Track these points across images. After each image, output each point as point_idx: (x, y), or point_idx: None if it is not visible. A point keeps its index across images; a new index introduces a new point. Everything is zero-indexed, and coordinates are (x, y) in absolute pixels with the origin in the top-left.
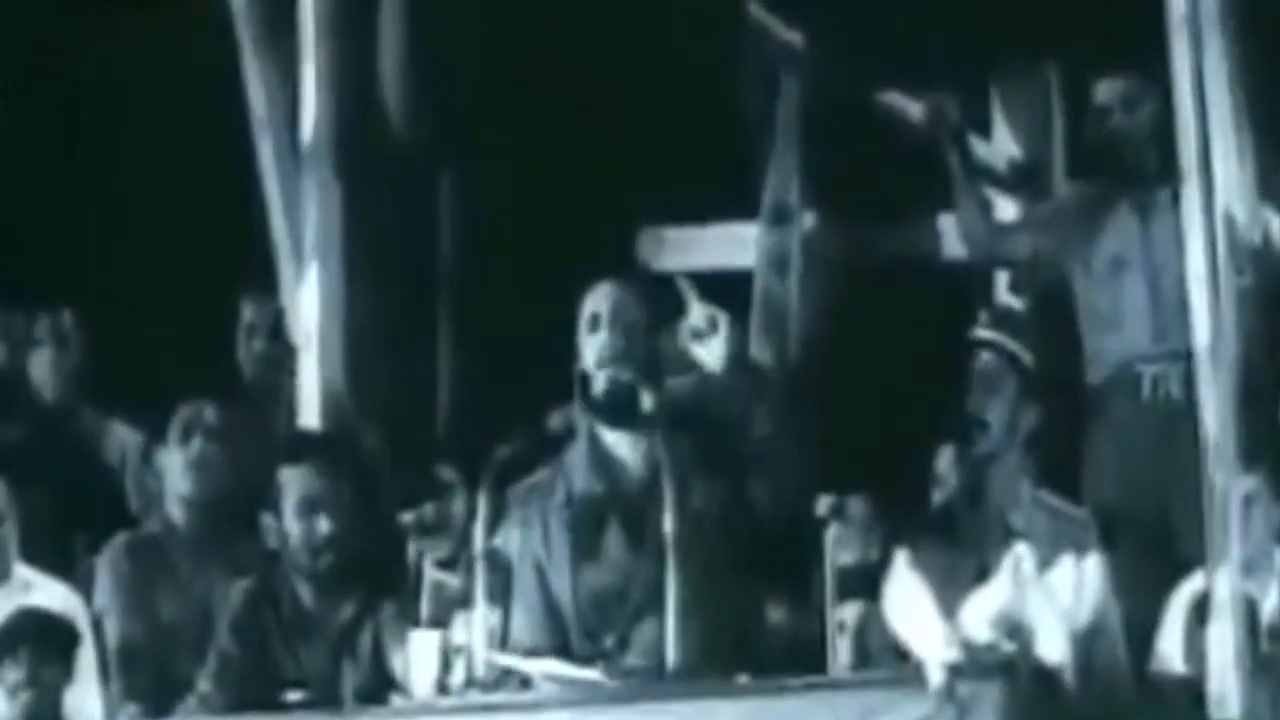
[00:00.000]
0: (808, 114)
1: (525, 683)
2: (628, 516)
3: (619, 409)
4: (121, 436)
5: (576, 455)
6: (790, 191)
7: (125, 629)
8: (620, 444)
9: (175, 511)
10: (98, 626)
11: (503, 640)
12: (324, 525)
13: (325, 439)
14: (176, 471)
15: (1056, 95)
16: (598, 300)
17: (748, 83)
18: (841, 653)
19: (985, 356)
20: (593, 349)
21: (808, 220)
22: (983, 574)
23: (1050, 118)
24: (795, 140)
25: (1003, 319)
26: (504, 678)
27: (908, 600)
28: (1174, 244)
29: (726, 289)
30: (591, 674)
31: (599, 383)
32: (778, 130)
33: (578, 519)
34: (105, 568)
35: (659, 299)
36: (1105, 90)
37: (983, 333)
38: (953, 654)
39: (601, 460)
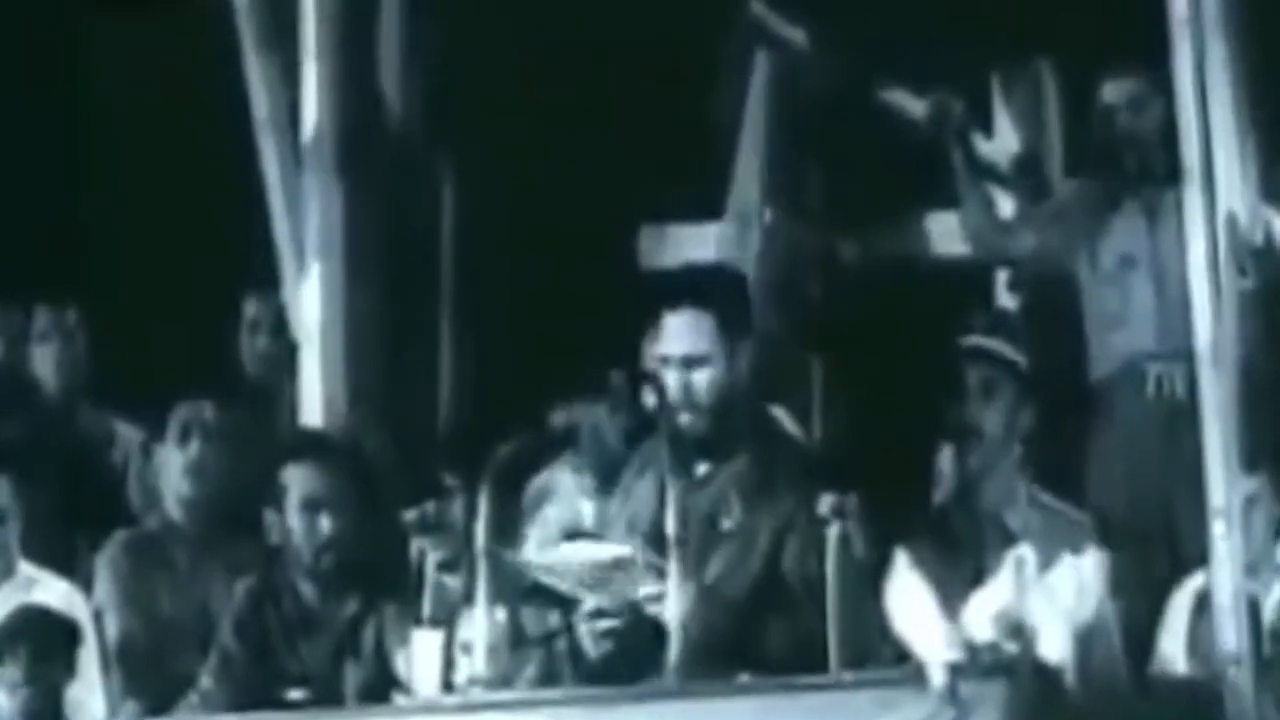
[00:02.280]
0: (807, 111)
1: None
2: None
3: (697, 447)
4: (124, 434)
5: (656, 445)
6: (752, 189)
7: (124, 626)
8: None
9: (174, 510)
10: (97, 623)
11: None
12: (326, 524)
13: (329, 437)
14: (175, 472)
15: (1055, 93)
16: (670, 342)
17: (734, 79)
18: (844, 651)
19: (979, 364)
20: (670, 387)
21: (804, 218)
22: (979, 575)
23: (1051, 115)
24: (763, 137)
25: (997, 324)
26: (507, 676)
27: (909, 600)
28: (1179, 243)
29: (729, 284)
30: (623, 549)
31: (672, 419)
32: (745, 127)
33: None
34: (104, 565)
35: (734, 324)
36: (1113, 91)
37: (976, 341)
38: (954, 654)
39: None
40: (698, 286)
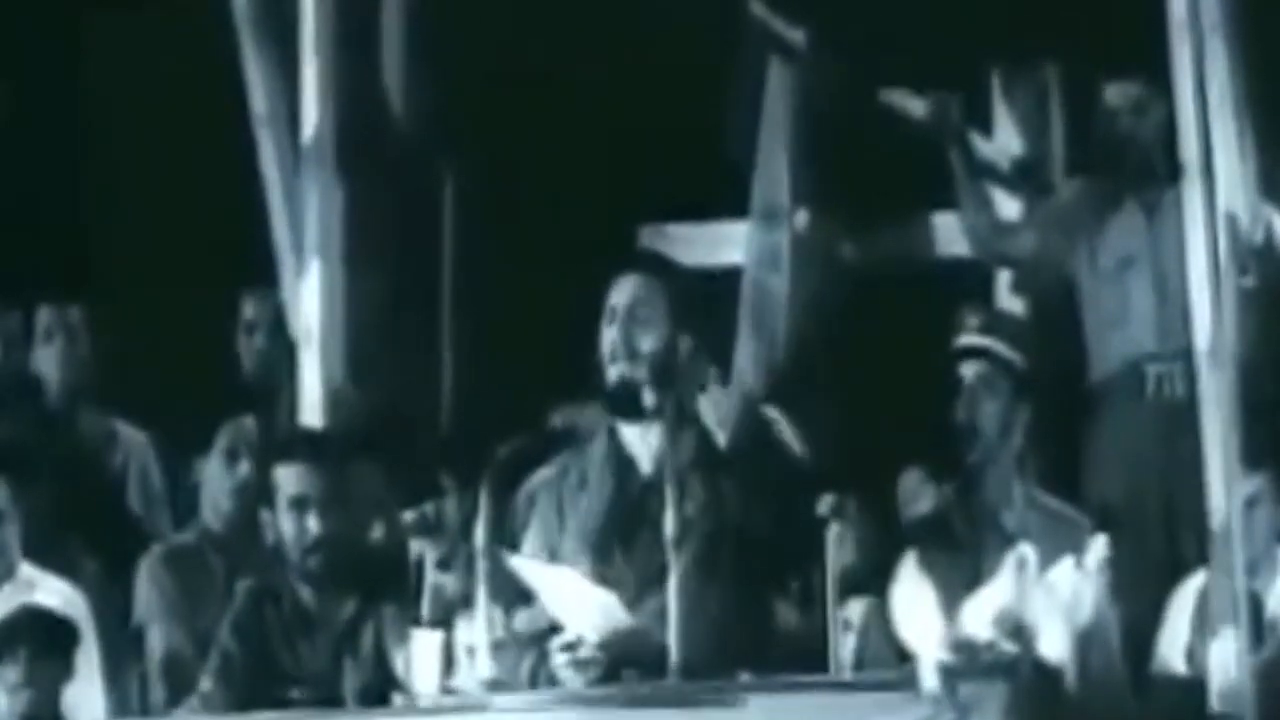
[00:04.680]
0: (807, 112)
1: (532, 682)
2: (635, 512)
3: (624, 404)
4: (126, 436)
5: (595, 448)
6: (780, 190)
7: (168, 638)
8: (633, 439)
9: (214, 523)
10: (138, 637)
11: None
12: (313, 524)
13: (319, 436)
14: (223, 491)
15: (1056, 93)
16: (617, 293)
17: (737, 80)
18: (845, 652)
19: (976, 363)
20: (606, 342)
21: (806, 219)
22: (978, 575)
23: (1050, 116)
24: (785, 138)
25: (994, 323)
26: (506, 677)
27: (912, 601)
28: (1179, 243)
29: (729, 286)
30: (608, 596)
31: (608, 376)
32: (764, 128)
33: (593, 512)
34: (145, 578)
35: (684, 293)
36: (1115, 94)
37: (973, 339)
38: (951, 657)
39: (616, 454)
40: (648, 266)
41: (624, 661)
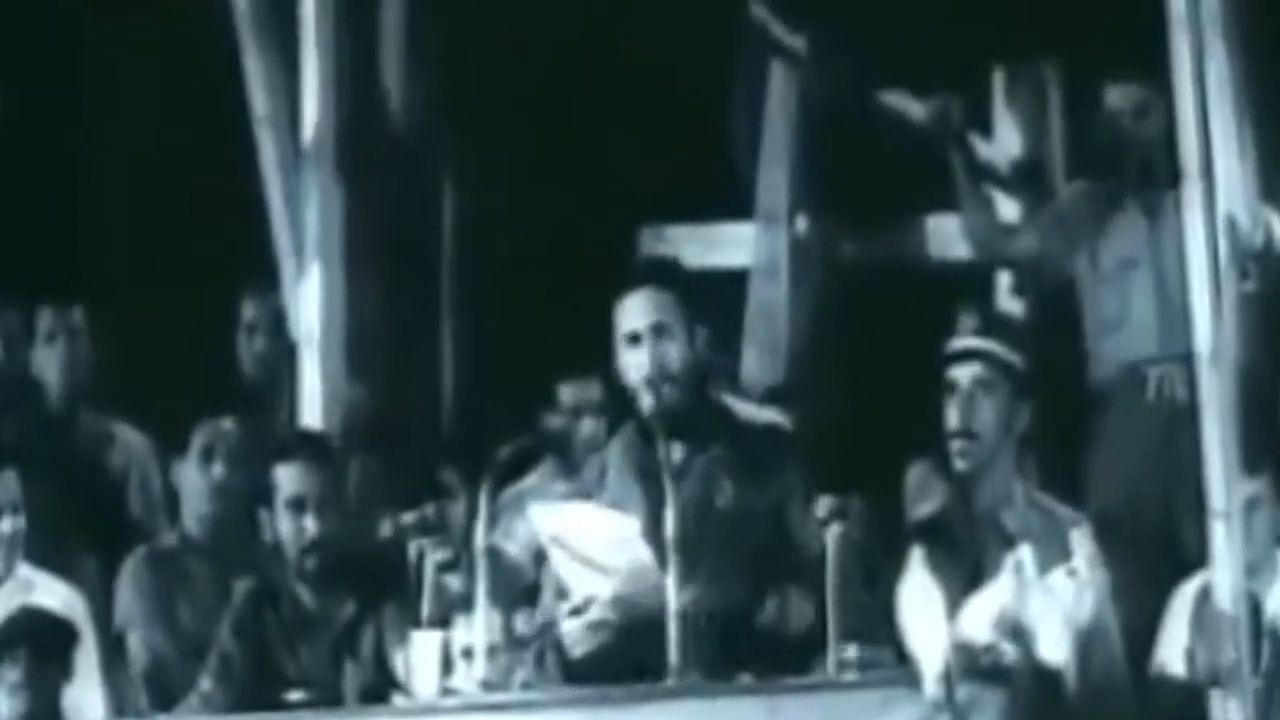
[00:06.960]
0: (808, 114)
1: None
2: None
3: (672, 424)
4: (126, 438)
5: (616, 449)
6: (781, 194)
7: (150, 643)
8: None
9: (194, 527)
10: (120, 641)
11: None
12: (311, 525)
13: (319, 437)
14: (198, 492)
15: (1057, 95)
16: (633, 316)
17: (738, 83)
18: (845, 652)
19: (974, 365)
20: (633, 367)
21: (808, 223)
22: (977, 576)
23: (1051, 117)
24: (786, 142)
25: (992, 325)
26: (507, 677)
27: (919, 600)
28: (1180, 246)
29: (728, 287)
30: (631, 522)
31: (643, 402)
32: (765, 130)
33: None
34: (127, 583)
35: (691, 289)
36: (1115, 95)
37: (971, 342)
38: (953, 657)
39: (641, 451)
40: (652, 274)
41: (632, 619)
